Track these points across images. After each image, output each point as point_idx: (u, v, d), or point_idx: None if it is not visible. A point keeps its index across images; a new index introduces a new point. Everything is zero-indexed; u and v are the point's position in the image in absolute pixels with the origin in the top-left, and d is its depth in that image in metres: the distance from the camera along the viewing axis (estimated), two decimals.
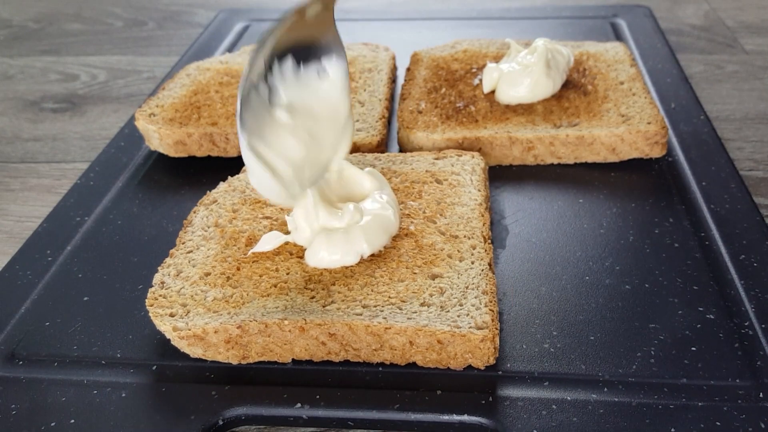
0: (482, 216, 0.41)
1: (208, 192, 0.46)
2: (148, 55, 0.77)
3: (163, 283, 0.39)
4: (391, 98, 0.57)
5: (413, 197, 0.43)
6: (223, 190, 0.46)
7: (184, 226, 0.43)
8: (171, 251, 0.41)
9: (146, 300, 0.38)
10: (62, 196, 0.51)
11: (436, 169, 0.45)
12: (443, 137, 0.51)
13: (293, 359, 0.37)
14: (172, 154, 0.53)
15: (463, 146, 0.51)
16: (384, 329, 0.35)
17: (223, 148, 0.53)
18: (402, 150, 0.53)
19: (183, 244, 0.42)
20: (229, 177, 0.47)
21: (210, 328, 0.36)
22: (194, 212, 0.44)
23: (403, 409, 0.34)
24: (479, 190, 0.43)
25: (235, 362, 0.37)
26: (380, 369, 0.36)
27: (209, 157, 0.53)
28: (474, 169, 0.45)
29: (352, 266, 0.38)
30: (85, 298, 0.41)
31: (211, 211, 0.44)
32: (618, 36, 0.70)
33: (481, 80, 0.56)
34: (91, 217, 0.48)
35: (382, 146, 0.51)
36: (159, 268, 0.40)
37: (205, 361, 0.37)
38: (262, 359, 0.37)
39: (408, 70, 0.60)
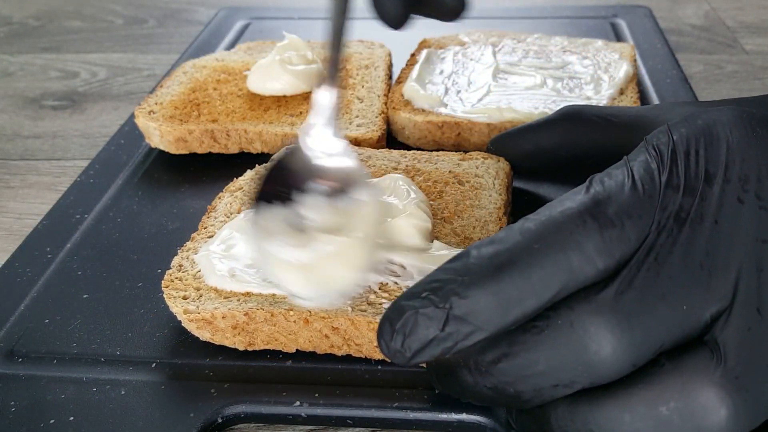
0: (499, 220, 0.41)
1: (234, 179, 0.46)
2: (148, 52, 0.77)
3: (180, 266, 0.39)
4: (389, 94, 0.57)
5: (434, 197, 0.43)
6: (250, 178, 0.46)
7: (207, 211, 0.44)
8: (192, 235, 0.42)
9: (162, 281, 0.38)
10: (62, 193, 0.51)
11: (460, 171, 0.45)
12: (425, 120, 0.52)
13: (294, 358, 0.37)
14: (173, 151, 0.53)
15: (442, 130, 0.51)
16: None
17: (224, 145, 0.53)
18: (391, 130, 0.54)
19: (204, 228, 0.42)
20: (257, 165, 0.47)
21: (218, 313, 0.36)
22: (219, 198, 0.45)
23: (402, 408, 0.34)
24: (500, 195, 0.43)
25: (241, 348, 0.37)
26: (379, 367, 0.36)
27: (210, 154, 0.53)
28: (498, 174, 0.45)
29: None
30: (85, 296, 0.41)
31: (236, 198, 0.44)
32: (618, 36, 0.70)
33: None
34: (90, 214, 0.48)
35: (382, 141, 0.52)
36: (179, 250, 0.41)
37: (205, 359, 0.37)
38: (267, 347, 0.37)
39: (412, 55, 0.60)
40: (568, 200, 0.29)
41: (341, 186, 0.37)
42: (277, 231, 0.35)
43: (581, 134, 0.43)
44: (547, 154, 0.45)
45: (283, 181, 0.36)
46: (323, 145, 0.37)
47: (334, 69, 0.37)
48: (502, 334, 0.28)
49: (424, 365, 0.34)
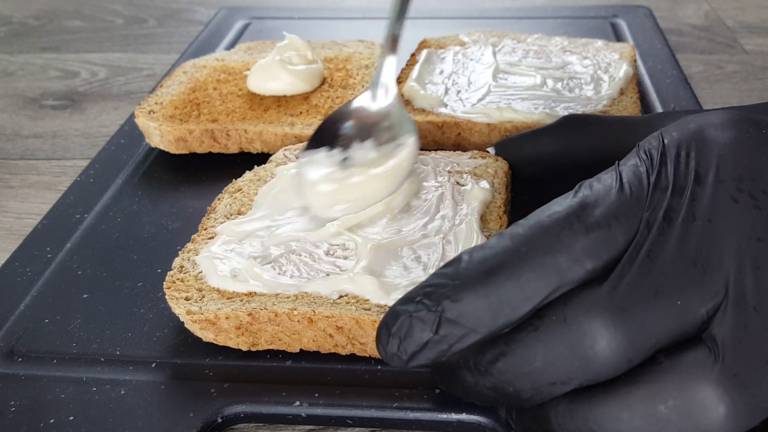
0: (499, 218, 0.41)
1: (233, 180, 0.46)
2: (148, 52, 0.77)
3: (182, 267, 0.39)
4: None
5: None
6: (249, 179, 0.46)
7: (207, 212, 0.44)
8: (192, 236, 0.42)
9: (164, 282, 0.38)
10: (62, 193, 0.51)
11: (458, 169, 0.45)
12: (425, 119, 0.51)
13: (294, 358, 0.37)
14: (173, 150, 0.53)
15: (442, 130, 0.51)
16: None
17: (224, 145, 0.53)
18: None
19: (205, 230, 0.42)
20: (255, 166, 0.47)
21: (222, 314, 0.36)
22: (219, 199, 0.45)
23: (402, 408, 0.34)
24: (499, 193, 0.43)
25: (245, 348, 0.37)
26: (379, 367, 0.36)
27: (210, 154, 0.53)
28: (497, 172, 0.45)
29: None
30: (85, 296, 0.41)
31: (236, 199, 0.44)
32: (618, 36, 0.70)
33: None
34: (90, 214, 0.48)
35: None
36: (180, 252, 0.40)
37: (205, 359, 0.37)
38: (271, 347, 0.37)
39: (412, 55, 0.60)
40: (557, 204, 0.29)
41: (389, 134, 0.44)
42: (320, 163, 0.42)
43: (581, 142, 0.44)
44: (548, 160, 0.45)
45: (337, 128, 0.44)
46: (379, 101, 0.45)
47: (392, 39, 0.46)
48: (500, 335, 0.28)
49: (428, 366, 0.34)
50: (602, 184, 0.29)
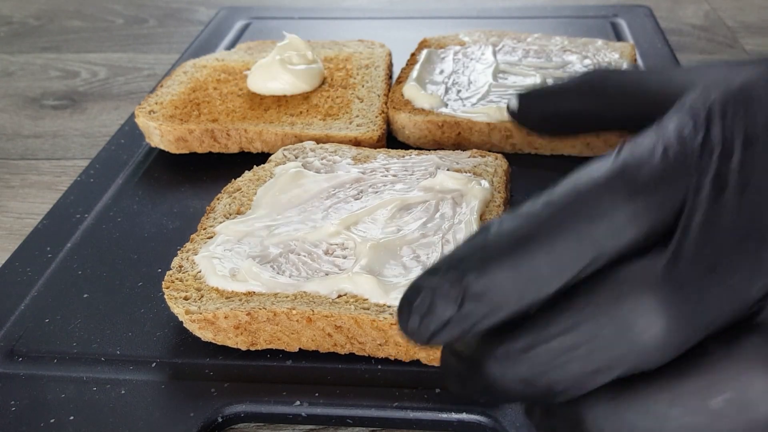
0: (499, 217, 0.41)
1: (232, 180, 0.46)
2: (148, 52, 0.77)
3: (181, 266, 0.39)
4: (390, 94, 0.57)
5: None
6: (248, 179, 0.46)
7: (206, 212, 0.44)
8: (192, 236, 0.42)
9: (163, 282, 0.38)
10: (62, 193, 0.51)
11: (458, 168, 0.46)
12: (425, 119, 0.52)
13: (294, 357, 0.37)
14: (173, 150, 0.53)
15: (443, 129, 0.52)
16: (389, 325, 0.35)
17: (224, 144, 0.53)
18: (391, 129, 0.54)
19: (204, 230, 0.42)
20: (255, 166, 0.47)
21: (221, 314, 0.36)
22: (218, 199, 0.45)
23: (402, 407, 0.34)
24: (499, 192, 0.43)
25: (244, 348, 0.37)
26: (379, 367, 0.36)
27: (210, 154, 0.53)
28: (496, 171, 0.45)
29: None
30: (85, 295, 0.41)
31: (235, 199, 0.44)
32: (618, 36, 0.70)
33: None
34: (91, 214, 0.48)
35: (382, 141, 0.52)
36: (178, 252, 0.41)
37: (205, 358, 0.37)
38: (270, 347, 0.37)
39: (412, 55, 0.60)
40: (595, 168, 0.26)
41: None
42: None
43: (605, 105, 0.39)
44: (574, 118, 0.40)
45: None
46: None
47: None
48: (536, 315, 0.25)
49: (427, 363, 0.34)
50: (644, 146, 0.27)
